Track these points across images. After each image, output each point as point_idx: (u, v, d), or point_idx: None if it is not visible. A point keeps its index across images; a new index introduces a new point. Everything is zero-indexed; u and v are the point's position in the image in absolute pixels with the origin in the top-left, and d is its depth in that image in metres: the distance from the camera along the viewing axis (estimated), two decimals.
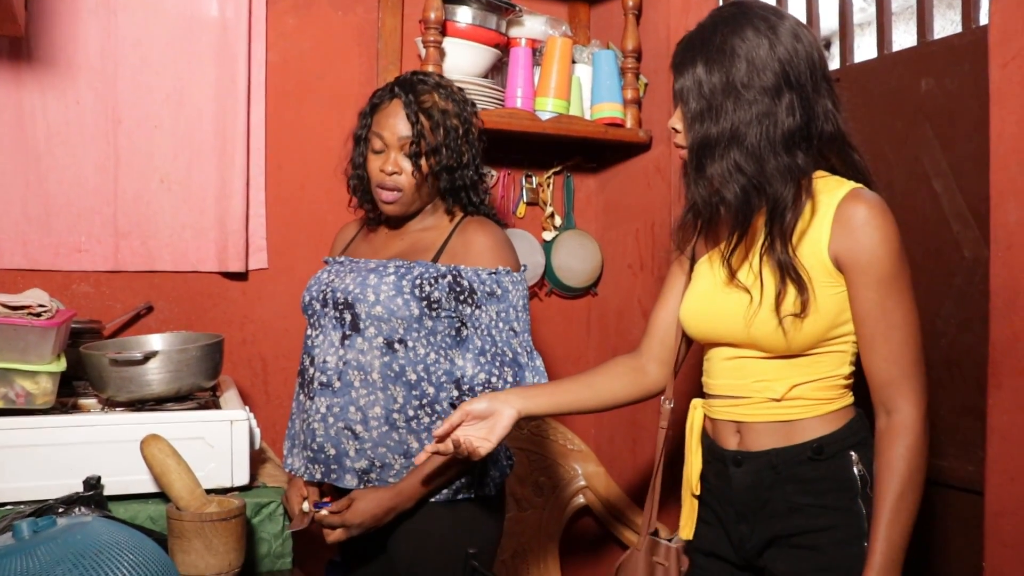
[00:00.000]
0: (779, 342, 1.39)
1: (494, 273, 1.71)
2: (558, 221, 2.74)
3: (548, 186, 2.73)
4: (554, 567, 2.61)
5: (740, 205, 1.38)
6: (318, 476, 1.73)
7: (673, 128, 1.47)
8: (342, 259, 1.85)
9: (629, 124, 2.50)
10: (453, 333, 1.72)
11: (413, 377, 1.70)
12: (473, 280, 1.70)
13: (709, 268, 1.52)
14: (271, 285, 2.38)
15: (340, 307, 1.73)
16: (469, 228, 1.77)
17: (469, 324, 1.71)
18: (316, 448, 1.73)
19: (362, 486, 1.70)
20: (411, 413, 1.69)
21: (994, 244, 1.62)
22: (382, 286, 1.70)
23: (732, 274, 1.44)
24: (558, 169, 2.74)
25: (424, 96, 1.74)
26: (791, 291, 1.37)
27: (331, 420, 1.71)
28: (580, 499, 2.66)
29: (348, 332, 1.72)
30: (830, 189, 1.40)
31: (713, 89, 1.37)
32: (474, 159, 1.80)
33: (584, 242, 2.73)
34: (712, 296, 1.49)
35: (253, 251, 2.36)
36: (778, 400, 1.42)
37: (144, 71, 2.23)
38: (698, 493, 1.56)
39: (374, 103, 1.79)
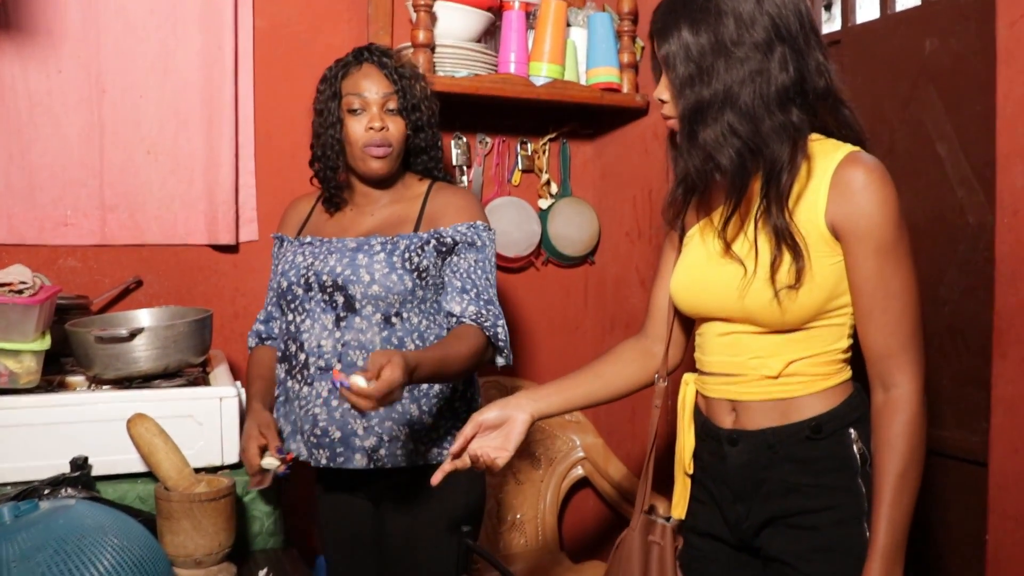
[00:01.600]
0: (774, 315, 1.34)
1: (472, 226, 1.74)
2: (554, 189, 2.69)
3: (544, 153, 2.68)
4: (553, 540, 2.60)
5: (736, 170, 1.32)
6: (323, 461, 1.71)
7: (660, 99, 1.41)
8: (310, 239, 1.80)
9: (626, 89, 2.44)
10: (438, 297, 1.75)
11: (412, 347, 1.70)
12: (454, 235, 1.73)
13: (700, 239, 1.47)
14: (262, 257, 2.34)
15: (329, 289, 1.70)
16: (442, 193, 1.80)
17: (447, 271, 1.73)
18: (320, 433, 1.70)
19: (372, 465, 1.69)
20: None
21: (1000, 209, 1.57)
22: (375, 265, 1.68)
23: (727, 245, 1.39)
24: (553, 136, 2.69)
25: (395, 57, 1.77)
26: (787, 259, 1.32)
27: (335, 403, 1.69)
28: (579, 470, 2.64)
29: (343, 314, 1.70)
30: (826, 152, 1.34)
31: (702, 50, 1.30)
32: (433, 120, 1.81)
33: (581, 210, 2.68)
34: (704, 268, 1.45)
35: (243, 223, 2.31)
36: (774, 377, 1.38)
37: (128, 39, 2.17)
38: (691, 472, 1.53)
39: (341, 70, 1.76)
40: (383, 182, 1.80)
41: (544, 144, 2.67)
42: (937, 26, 1.84)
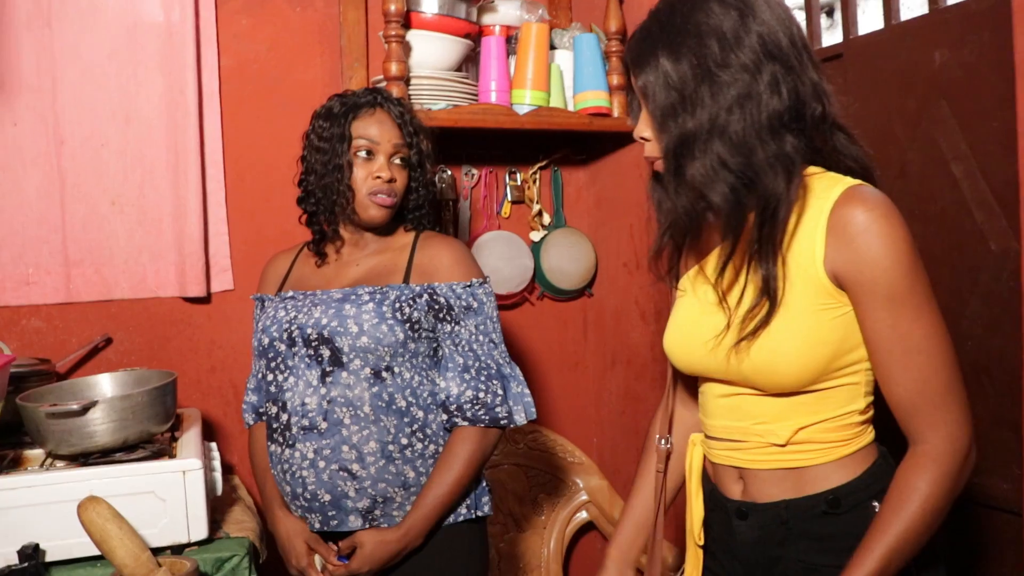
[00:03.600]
0: (770, 378, 1.20)
1: (468, 286, 1.66)
2: (546, 219, 2.55)
3: (534, 182, 2.55)
4: None
5: (731, 207, 1.17)
6: (316, 525, 1.62)
7: (641, 138, 1.27)
8: (292, 293, 1.69)
9: (616, 112, 2.31)
10: (431, 353, 1.65)
11: (403, 404, 1.60)
12: (449, 296, 1.64)
13: (692, 290, 1.33)
14: (238, 307, 2.22)
15: (314, 344, 1.59)
16: (431, 243, 1.71)
17: (447, 341, 1.64)
18: (309, 497, 1.60)
19: (367, 525, 1.60)
20: (405, 441, 1.60)
21: None
22: (363, 315, 1.58)
23: (723, 295, 1.25)
24: (544, 164, 2.55)
25: (407, 108, 1.72)
26: (762, 312, 1.17)
27: (322, 464, 1.58)
28: (583, 514, 2.50)
29: (329, 368, 1.59)
30: (823, 189, 1.18)
31: (683, 77, 1.15)
32: (432, 178, 1.78)
33: (576, 240, 2.55)
34: (696, 322, 1.30)
35: (216, 272, 2.19)
36: (782, 446, 1.23)
37: (86, 86, 2.06)
38: (702, 543, 1.38)
39: (351, 110, 1.66)
40: (376, 229, 1.71)
41: (534, 173, 2.54)
42: (948, 37, 1.69)
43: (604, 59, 2.31)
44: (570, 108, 2.32)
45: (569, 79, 2.33)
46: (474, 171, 2.48)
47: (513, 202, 2.54)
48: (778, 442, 1.22)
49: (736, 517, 1.28)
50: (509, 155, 2.52)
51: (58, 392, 1.73)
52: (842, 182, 1.18)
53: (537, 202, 2.54)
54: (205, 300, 2.18)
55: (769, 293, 1.16)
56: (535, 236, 2.52)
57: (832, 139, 1.24)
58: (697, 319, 1.29)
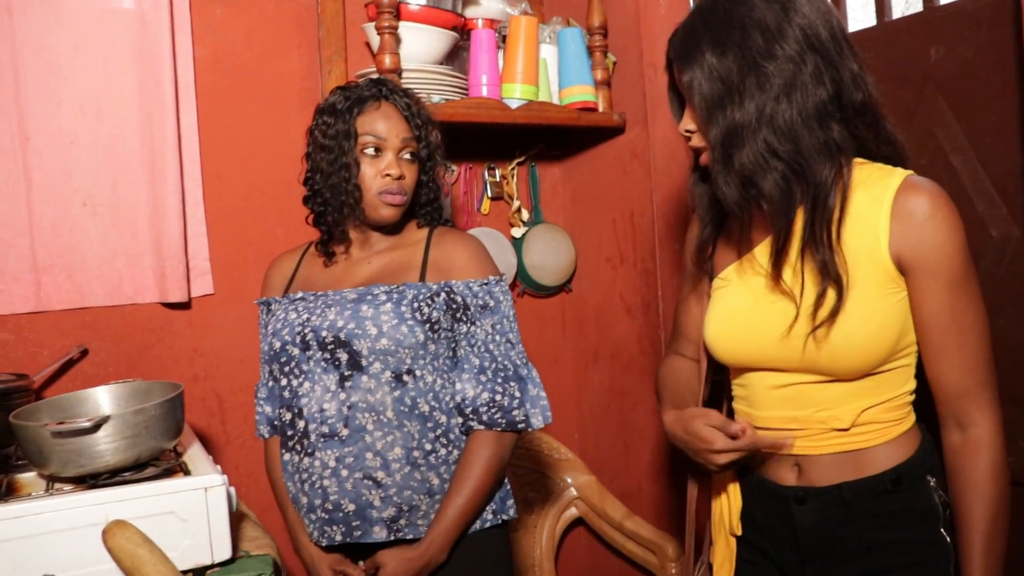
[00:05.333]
0: (845, 362, 1.22)
1: (485, 284, 1.60)
2: (525, 216, 2.53)
3: (512, 178, 2.52)
4: None
5: (782, 194, 1.20)
6: (339, 538, 1.54)
7: (686, 132, 1.28)
8: (301, 294, 1.61)
9: (601, 107, 2.30)
10: (450, 354, 1.59)
11: (426, 408, 1.54)
12: (466, 295, 1.58)
13: (740, 281, 1.34)
14: (220, 312, 2.11)
15: (330, 347, 1.52)
16: (446, 240, 1.65)
17: (464, 342, 1.58)
18: (331, 508, 1.52)
19: (392, 536, 1.53)
20: (428, 447, 1.54)
21: None
22: (381, 316, 1.51)
23: (782, 284, 1.27)
24: (521, 160, 2.53)
25: (414, 99, 1.61)
26: (830, 298, 1.21)
27: (344, 473, 1.51)
28: (572, 511, 2.49)
29: (348, 372, 1.51)
30: (879, 178, 1.23)
31: (729, 70, 1.18)
32: (441, 170, 1.72)
33: (556, 236, 2.53)
34: (749, 314, 1.31)
35: (196, 276, 2.08)
36: (845, 430, 1.26)
37: (52, 79, 1.91)
38: (739, 534, 1.40)
39: (355, 104, 1.58)
40: (386, 228, 1.64)
41: (512, 169, 2.51)
42: (944, 33, 1.76)
43: (588, 53, 2.30)
44: (555, 102, 2.30)
45: (554, 74, 2.31)
46: (454, 167, 2.43)
47: (492, 198, 2.50)
48: (842, 426, 1.26)
49: (794, 503, 1.30)
50: (487, 151, 2.48)
51: (50, 410, 1.60)
52: (895, 172, 1.23)
53: (516, 198, 2.51)
54: (185, 306, 2.06)
55: (833, 278, 1.19)
56: (516, 232, 2.49)
57: (873, 126, 1.27)
58: (752, 311, 1.30)
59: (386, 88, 1.61)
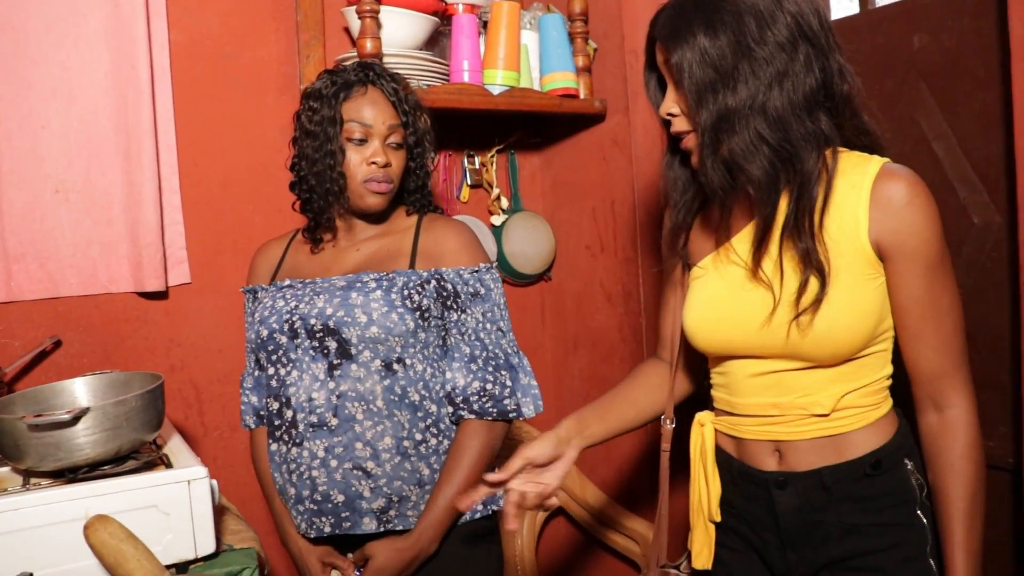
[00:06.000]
0: (827, 349, 1.23)
1: (475, 271, 1.58)
2: (505, 203, 2.51)
3: (492, 166, 2.50)
4: None
5: (769, 181, 1.20)
6: (327, 529, 1.51)
7: (668, 114, 1.27)
8: (289, 282, 1.59)
9: (583, 94, 2.29)
10: (440, 343, 1.57)
11: (416, 397, 1.52)
12: (456, 282, 1.56)
13: (716, 270, 1.34)
14: (196, 301, 2.07)
15: (319, 335, 1.49)
16: (436, 226, 1.62)
17: (454, 330, 1.56)
18: (320, 498, 1.50)
19: (382, 528, 1.51)
20: (419, 437, 1.53)
21: (1023, 211, 1.51)
22: (371, 303, 1.49)
23: (755, 270, 1.27)
24: (501, 147, 2.51)
25: (401, 84, 1.58)
26: (812, 286, 1.21)
27: (334, 463, 1.49)
28: (552, 500, 2.47)
29: (337, 361, 1.49)
30: (855, 166, 1.24)
31: (722, 54, 1.17)
32: (431, 156, 1.69)
33: (536, 224, 2.52)
34: (728, 301, 1.31)
35: (172, 264, 2.03)
36: (825, 415, 1.27)
37: (21, 61, 1.86)
38: (718, 520, 1.40)
39: (341, 89, 1.54)
40: (375, 216, 1.61)
41: (492, 156, 2.49)
42: (927, 22, 1.77)
43: (570, 40, 2.28)
44: (536, 89, 2.28)
45: (535, 60, 2.29)
46: (433, 155, 2.40)
47: (471, 186, 2.48)
48: (822, 412, 1.27)
49: (775, 488, 1.31)
50: (467, 138, 2.46)
51: (24, 402, 1.56)
52: (872, 159, 1.24)
53: (496, 186, 2.49)
54: (162, 295, 2.01)
55: (815, 267, 1.20)
56: (496, 220, 2.48)
57: (854, 117, 1.28)
58: (732, 299, 1.30)
59: (373, 73, 1.57)
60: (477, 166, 2.48)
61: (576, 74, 2.27)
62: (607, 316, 2.41)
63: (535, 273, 2.54)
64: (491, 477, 1.30)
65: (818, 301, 1.20)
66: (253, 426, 1.65)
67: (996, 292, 1.71)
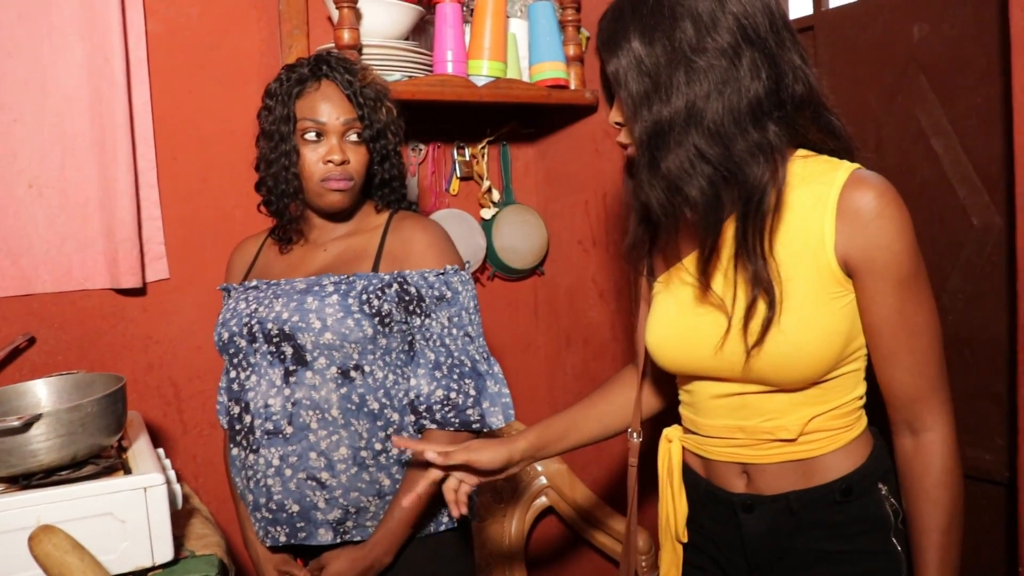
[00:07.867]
0: (789, 374, 1.15)
1: (441, 274, 1.50)
2: (496, 196, 2.45)
3: (483, 157, 2.43)
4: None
5: (709, 202, 1.10)
6: (283, 539, 1.48)
7: (615, 124, 1.19)
8: (255, 283, 1.54)
9: (573, 85, 2.22)
10: (406, 348, 1.51)
11: (375, 406, 1.47)
12: (420, 285, 1.48)
13: (667, 290, 1.27)
14: (175, 298, 2.03)
15: (275, 340, 1.45)
16: (404, 226, 1.55)
17: (419, 336, 1.50)
18: (275, 507, 1.46)
19: (338, 539, 1.47)
20: (378, 447, 1.47)
21: (1020, 211, 1.42)
22: (326, 308, 1.43)
23: (705, 291, 1.19)
24: (492, 138, 2.44)
25: (359, 74, 1.50)
26: (760, 310, 1.12)
27: (288, 472, 1.44)
28: (543, 499, 2.44)
29: (292, 367, 1.44)
30: (821, 174, 1.13)
31: (657, 63, 1.08)
32: (399, 147, 1.60)
33: (528, 218, 2.46)
34: (683, 322, 1.23)
35: (150, 260, 2.00)
36: (792, 440, 1.20)
37: None
38: (685, 541, 1.34)
39: (295, 85, 1.48)
40: (341, 214, 1.55)
41: (483, 148, 2.43)
42: (928, 11, 1.68)
43: (560, 28, 2.21)
44: (525, 79, 2.21)
45: (523, 49, 2.22)
46: (422, 147, 2.35)
47: (461, 178, 2.42)
48: (789, 437, 1.20)
49: (742, 511, 1.25)
50: (457, 130, 2.39)
51: None
52: (841, 166, 1.14)
53: (486, 178, 2.43)
54: (140, 291, 1.98)
55: (764, 288, 1.12)
56: (486, 214, 2.42)
57: (816, 120, 1.18)
58: (686, 320, 1.23)
59: (327, 66, 1.50)
60: (467, 158, 2.42)
61: (567, 64, 2.20)
62: (599, 313, 2.35)
63: (527, 268, 2.48)
64: (428, 455, 1.26)
65: (767, 324, 1.12)
66: (225, 426, 1.61)
67: (994, 298, 1.62)
